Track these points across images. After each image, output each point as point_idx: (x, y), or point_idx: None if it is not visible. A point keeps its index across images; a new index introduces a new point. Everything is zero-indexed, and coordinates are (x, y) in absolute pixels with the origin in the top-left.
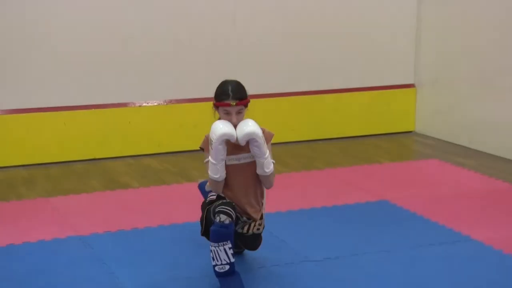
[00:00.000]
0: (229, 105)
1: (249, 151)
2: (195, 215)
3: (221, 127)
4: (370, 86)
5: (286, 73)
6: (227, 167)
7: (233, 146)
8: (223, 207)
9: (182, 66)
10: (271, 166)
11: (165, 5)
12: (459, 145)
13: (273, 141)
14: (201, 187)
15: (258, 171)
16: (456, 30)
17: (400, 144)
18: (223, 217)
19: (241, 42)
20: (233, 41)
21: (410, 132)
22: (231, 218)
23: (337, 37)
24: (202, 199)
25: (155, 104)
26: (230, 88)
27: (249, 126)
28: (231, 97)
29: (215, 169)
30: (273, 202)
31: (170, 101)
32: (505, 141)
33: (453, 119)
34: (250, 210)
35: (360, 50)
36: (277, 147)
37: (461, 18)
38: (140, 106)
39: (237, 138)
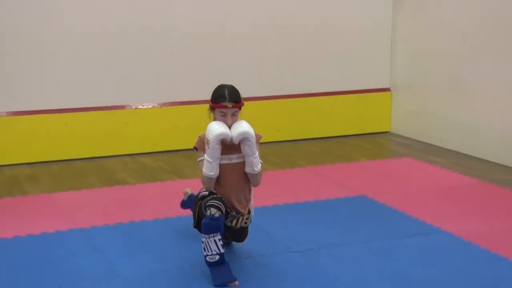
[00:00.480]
0: (226, 107)
1: (240, 152)
2: (187, 209)
3: (217, 128)
4: (349, 90)
5: (272, 78)
6: (219, 166)
7: (225, 147)
8: (214, 201)
9: (175, 72)
10: (259, 166)
11: (160, 17)
12: (431, 144)
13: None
14: (183, 204)
15: (247, 170)
16: (428, 38)
17: (377, 143)
18: (213, 211)
19: (230, 50)
20: (223, 49)
21: (386, 132)
22: (221, 211)
23: (320, 45)
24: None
25: (150, 106)
26: (227, 92)
27: (243, 127)
28: (227, 99)
29: (211, 167)
30: (260, 197)
31: (164, 104)
32: (473, 140)
33: (425, 120)
34: (238, 206)
35: (340, 57)
36: (263, 147)
37: (432, 28)
38: (136, 108)
39: (231, 137)
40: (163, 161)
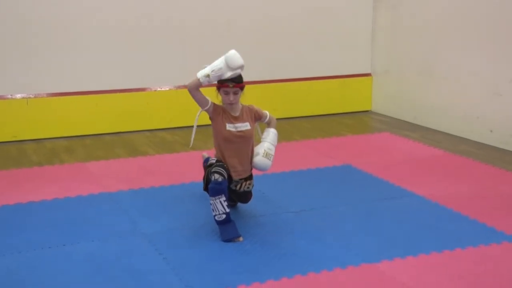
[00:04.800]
0: (228, 86)
1: (244, 121)
2: (199, 176)
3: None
4: (336, 74)
5: (270, 65)
6: (226, 132)
7: (231, 117)
8: (217, 168)
9: (188, 60)
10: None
11: (175, 12)
12: (405, 121)
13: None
14: (205, 161)
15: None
16: (403, 30)
17: (359, 120)
18: (217, 176)
19: (235, 40)
20: (229, 40)
21: (367, 111)
22: (223, 176)
23: (311, 37)
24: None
25: (167, 89)
26: None
27: (257, 161)
28: (230, 80)
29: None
30: None
31: (179, 87)
32: (440, 117)
33: (401, 101)
34: (241, 168)
35: (329, 47)
36: (263, 123)
37: (407, 21)
38: (155, 90)
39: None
40: (179, 135)
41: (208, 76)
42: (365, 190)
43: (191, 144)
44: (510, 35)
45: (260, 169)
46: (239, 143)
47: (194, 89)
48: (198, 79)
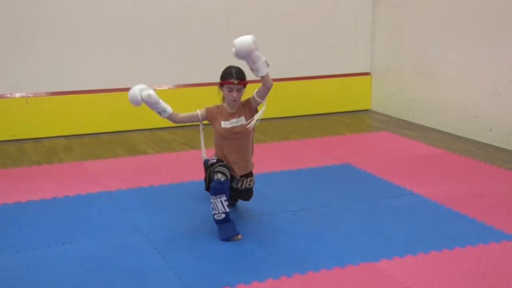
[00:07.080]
0: (232, 83)
1: (238, 116)
2: (198, 175)
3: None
4: (336, 73)
5: (270, 64)
6: (222, 130)
7: (227, 113)
8: (220, 168)
9: (187, 58)
10: (265, 70)
11: (174, 12)
12: (404, 120)
13: (259, 117)
14: (205, 162)
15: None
16: (402, 29)
17: (359, 120)
18: (219, 175)
19: (234, 39)
20: (229, 39)
21: (367, 110)
22: (226, 176)
23: (311, 37)
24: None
25: (166, 88)
26: (233, 71)
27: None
28: (234, 77)
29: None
30: (260, 165)
31: (178, 86)
32: (439, 117)
33: (400, 100)
34: (242, 164)
35: (328, 46)
36: (262, 122)
37: (406, 20)
38: (154, 89)
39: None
40: (178, 134)
41: (149, 95)
42: (364, 189)
43: (203, 158)
44: (510, 34)
45: (240, 45)
46: (237, 138)
47: (175, 118)
48: (169, 115)
